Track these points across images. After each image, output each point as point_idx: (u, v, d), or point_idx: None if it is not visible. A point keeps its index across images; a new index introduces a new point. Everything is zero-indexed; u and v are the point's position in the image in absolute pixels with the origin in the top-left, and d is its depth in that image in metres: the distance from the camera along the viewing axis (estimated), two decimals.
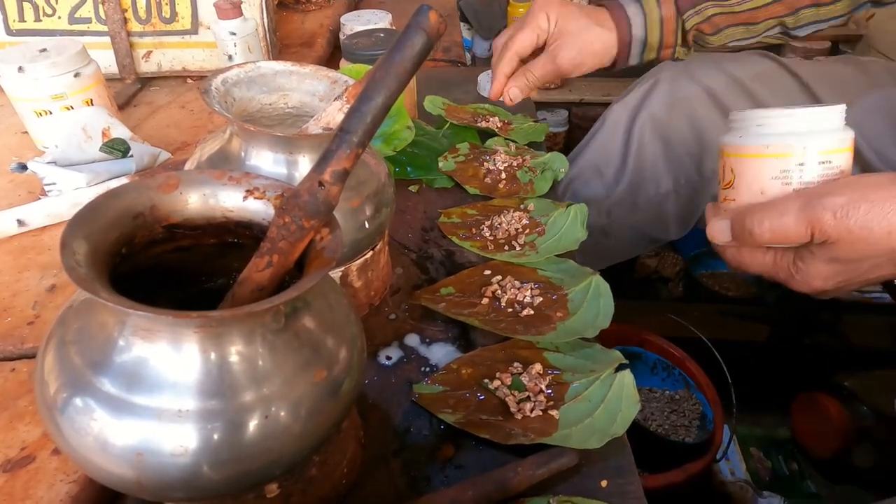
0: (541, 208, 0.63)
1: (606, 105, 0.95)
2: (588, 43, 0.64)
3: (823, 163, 0.41)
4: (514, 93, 0.67)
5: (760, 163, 0.42)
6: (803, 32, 0.67)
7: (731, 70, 0.81)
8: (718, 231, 0.45)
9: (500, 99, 0.68)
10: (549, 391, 0.44)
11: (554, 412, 0.43)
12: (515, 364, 0.47)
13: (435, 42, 0.28)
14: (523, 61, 0.67)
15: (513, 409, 0.43)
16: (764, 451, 1.07)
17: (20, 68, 0.64)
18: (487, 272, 0.56)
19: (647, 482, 0.82)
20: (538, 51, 0.66)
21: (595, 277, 0.53)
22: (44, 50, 0.67)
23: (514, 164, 0.70)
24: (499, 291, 0.53)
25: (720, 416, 0.90)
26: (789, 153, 0.41)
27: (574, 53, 0.63)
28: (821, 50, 1.56)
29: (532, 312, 0.51)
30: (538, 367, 0.46)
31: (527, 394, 0.44)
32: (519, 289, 0.53)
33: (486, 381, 0.45)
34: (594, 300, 0.52)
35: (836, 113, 0.41)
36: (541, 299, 0.52)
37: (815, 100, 0.77)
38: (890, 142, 0.71)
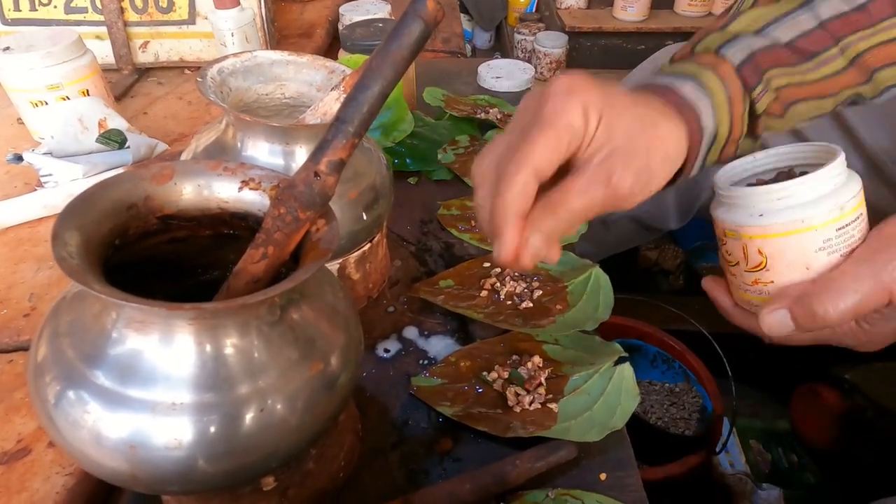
0: None
1: None
2: (657, 149, 0.37)
3: (858, 217, 0.37)
4: (537, 243, 0.34)
5: (800, 239, 0.37)
6: (883, 99, 0.48)
7: None
8: (778, 323, 0.37)
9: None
10: (548, 384, 0.44)
11: (553, 405, 0.42)
12: (514, 357, 0.46)
13: (432, 30, 0.27)
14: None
15: (511, 402, 0.42)
16: (763, 444, 1.07)
17: (6, 48, 0.63)
18: (486, 264, 0.55)
19: (647, 475, 0.82)
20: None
21: (595, 270, 0.53)
22: (50, 35, 0.66)
23: None
24: (497, 284, 0.53)
25: (720, 408, 0.90)
26: (829, 220, 0.36)
27: (639, 169, 0.35)
28: None
29: (531, 305, 0.51)
30: (537, 359, 0.46)
31: (526, 386, 0.44)
32: (518, 281, 0.53)
33: (484, 373, 0.45)
34: (594, 292, 0.51)
35: (842, 157, 0.37)
36: (540, 292, 0.52)
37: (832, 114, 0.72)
38: None
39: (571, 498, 0.37)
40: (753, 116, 0.43)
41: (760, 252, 0.38)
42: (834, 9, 0.43)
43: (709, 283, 0.43)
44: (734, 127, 0.42)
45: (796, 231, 0.37)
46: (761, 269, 0.38)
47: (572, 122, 0.34)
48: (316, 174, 0.28)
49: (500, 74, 0.89)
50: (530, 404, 0.42)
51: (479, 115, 0.77)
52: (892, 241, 0.35)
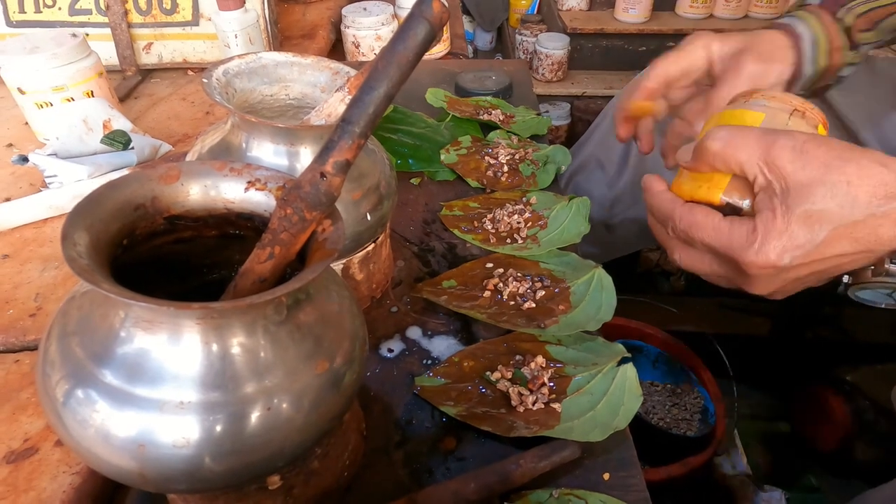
0: (543, 201, 0.63)
1: (609, 98, 0.95)
2: (768, 50, 0.56)
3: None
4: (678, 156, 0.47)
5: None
6: None
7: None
8: (683, 151, 0.43)
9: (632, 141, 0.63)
10: (552, 384, 0.44)
11: (556, 405, 0.43)
12: (517, 357, 0.47)
13: (438, 31, 0.27)
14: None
15: (514, 402, 0.43)
16: (765, 445, 1.07)
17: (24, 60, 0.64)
18: (489, 265, 0.55)
19: (649, 475, 0.83)
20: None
21: (597, 270, 0.53)
22: (55, 37, 0.66)
23: (517, 157, 0.70)
24: (500, 284, 0.53)
25: (721, 409, 0.90)
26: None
27: (759, 60, 0.55)
28: None
29: (534, 305, 0.51)
30: (540, 359, 0.46)
31: (529, 386, 0.44)
32: (521, 282, 0.53)
33: (487, 373, 0.45)
34: (596, 293, 0.52)
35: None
36: (543, 292, 0.52)
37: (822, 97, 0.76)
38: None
39: (575, 498, 0.38)
40: (848, 31, 0.57)
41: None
42: None
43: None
44: (832, 38, 0.57)
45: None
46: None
47: (695, 55, 0.56)
48: (322, 175, 0.28)
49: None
50: (533, 404, 0.42)
51: (481, 117, 0.77)
52: (801, 132, 0.39)
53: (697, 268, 0.44)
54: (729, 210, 0.41)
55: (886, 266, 0.40)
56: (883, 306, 0.44)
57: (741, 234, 0.39)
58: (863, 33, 0.58)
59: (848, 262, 0.40)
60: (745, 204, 0.40)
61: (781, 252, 0.38)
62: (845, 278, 0.43)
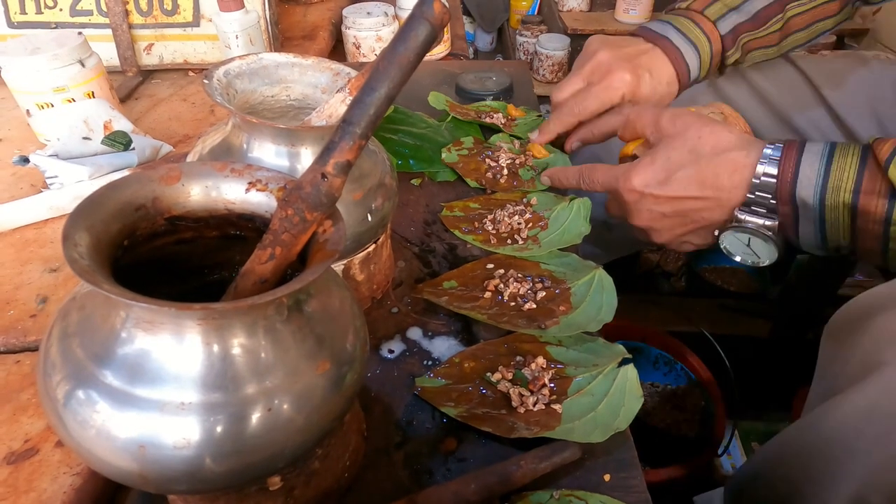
0: (544, 202, 0.63)
1: None
2: (662, 97, 0.69)
3: None
4: (575, 145, 0.69)
5: None
6: (813, 42, 0.73)
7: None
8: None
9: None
10: (552, 385, 0.44)
11: (557, 406, 0.43)
12: (518, 358, 0.47)
13: (439, 32, 0.27)
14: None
15: (515, 403, 0.43)
16: None
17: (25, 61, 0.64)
18: (490, 266, 0.55)
19: (649, 476, 0.82)
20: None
21: (598, 271, 0.53)
22: (56, 37, 0.66)
23: (517, 161, 0.70)
24: (501, 285, 0.53)
25: (722, 410, 0.90)
26: None
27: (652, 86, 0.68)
28: (825, 44, 1.55)
29: (535, 306, 0.51)
30: (541, 360, 0.46)
31: (529, 387, 0.44)
32: (521, 282, 0.53)
33: (488, 374, 0.45)
34: (597, 294, 0.52)
35: None
36: (543, 293, 0.52)
37: (815, 91, 0.77)
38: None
39: (576, 499, 0.38)
40: (723, 64, 0.70)
41: None
42: None
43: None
44: (711, 70, 0.70)
45: None
46: None
47: (612, 98, 0.65)
48: (323, 175, 0.28)
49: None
50: (534, 405, 0.42)
51: (483, 119, 0.77)
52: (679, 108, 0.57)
53: (610, 207, 0.60)
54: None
55: (735, 213, 0.52)
56: (738, 259, 0.54)
57: (621, 169, 0.55)
58: (737, 63, 0.71)
59: (701, 206, 0.53)
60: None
61: (643, 180, 0.53)
62: (716, 232, 0.55)
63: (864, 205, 0.46)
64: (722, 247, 0.55)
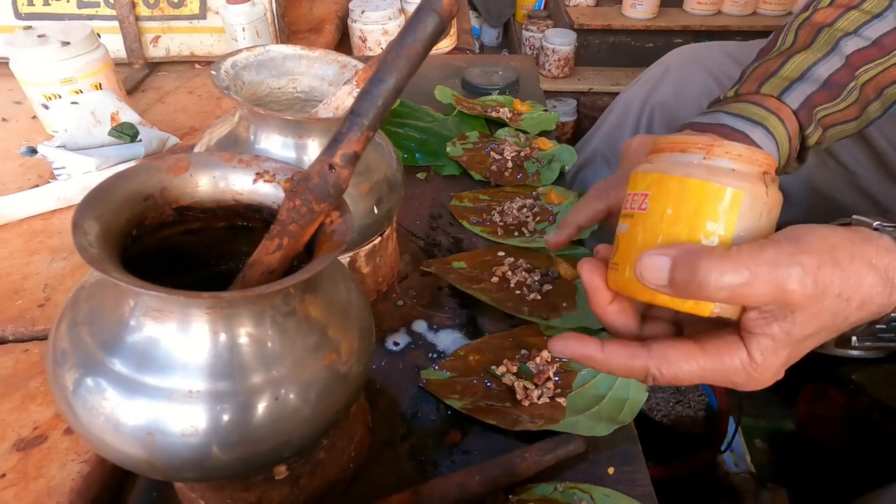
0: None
1: (615, 95, 0.95)
2: None
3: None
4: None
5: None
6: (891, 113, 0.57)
7: (740, 58, 0.80)
8: (653, 267, 0.32)
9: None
10: (557, 378, 0.44)
11: (561, 399, 0.43)
12: (523, 351, 0.47)
13: (447, 24, 0.27)
14: None
15: (520, 396, 0.43)
16: (769, 444, 1.06)
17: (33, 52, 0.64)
18: (501, 253, 0.56)
19: (652, 472, 0.82)
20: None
21: None
22: (63, 29, 0.67)
23: (522, 154, 0.70)
24: (509, 272, 0.53)
25: (725, 407, 0.90)
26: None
27: None
28: None
29: (539, 298, 0.51)
30: (546, 354, 0.46)
31: (534, 380, 0.44)
32: (530, 273, 0.53)
33: (493, 367, 0.45)
34: None
35: None
36: (550, 287, 0.52)
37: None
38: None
39: (580, 491, 0.38)
40: (804, 147, 0.53)
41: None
42: (855, 45, 0.53)
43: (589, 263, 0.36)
44: (790, 158, 0.52)
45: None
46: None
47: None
48: (331, 167, 0.28)
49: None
50: (539, 398, 0.43)
51: (489, 114, 0.77)
52: (801, 243, 0.32)
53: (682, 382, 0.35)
54: (716, 321, 0.33)
55: (853, 343, 0.43)
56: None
57: (735, 366, 0.33)
58: (818, 145, 0.54)
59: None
60: (735, 315, 0.33)
61: (777, 373, 0.34)
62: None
63: None
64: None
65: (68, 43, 0.65)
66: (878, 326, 0.40)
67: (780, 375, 0.34)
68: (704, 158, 0.31)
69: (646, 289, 0.32)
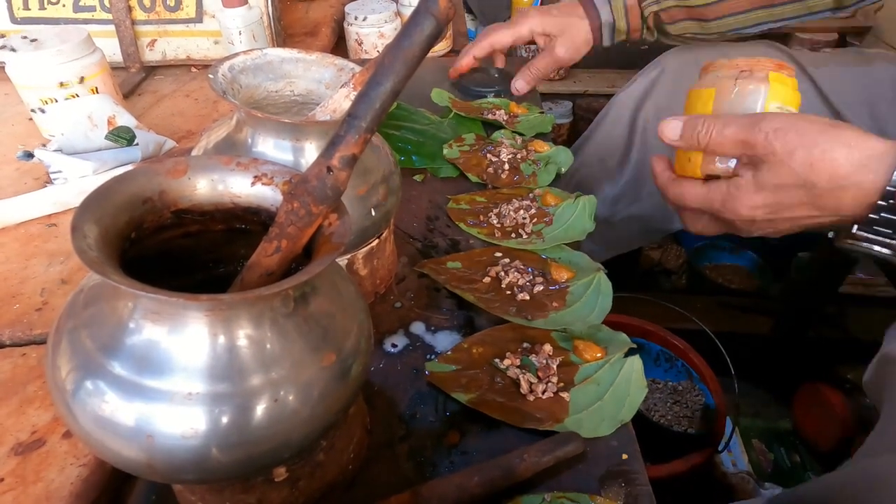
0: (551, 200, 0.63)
1: (610, 97, 0.95)
2: (574, 36, 0.78)
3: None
4: (520, 84, 0.81)
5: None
6: (756, 31, 0.74)
7: (735, 58, 0.80)
8: (670, 128, 0.50)
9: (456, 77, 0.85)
10: (559, 372, 0.45)
11: (564, 394, 0.43)
12: (525, 344, 0.47)
13: (444, 27, 0.28)
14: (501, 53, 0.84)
15: (524, 391, 0.43)
16: (766, 443, 1.07)
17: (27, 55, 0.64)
18: (498, 254, 0.56)
19: (650, 472, 0.83)
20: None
21: (599, 274, 0.53)
22: (59, 33, 0.67)
23: (518, 156, 0.70)
24: (502, 273, 0.53)
25: (723, 407, 0.90)
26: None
27: (567, 47, 0.78)
28: (828, 42, 1.55)
29: (528, 298, 0.51)
30: (548, 347, 0.46)
31: (539, 374, 0.44)
32: (522, 273, 0.53)
33: (496, 360, 0.46)
34: (593, 295, 0.52)
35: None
36: (541, 287, 0.52)
37: (818, 91, 0.77)
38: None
39: (568, 501, 0.38)
40: (644, 19, 0.75)
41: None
42: None
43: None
44: (632, 22, 0.76)
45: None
46: None
47: (521, 33, 0.79)
48: (329, 169, 0.28)
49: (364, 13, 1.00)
50: (543, 393, 0.43)
51: (486, 116, 0.78)
52: (781, 116, 0.46)
53: (697, 227, 0.53)
54: (709, 178, 0.50)
55: (854, 231, 0.46)
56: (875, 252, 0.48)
57: (717, 195, 0.48)
58: (667, 26, 0.75)
59: (817, 220, 0.47)
60: (722, 169, 0.48)
61: (751, 209, 0.47)
62: (830, 234, 0.50)
63: None
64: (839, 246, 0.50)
65: (64, 47, 0.65)
66: (871, 216, 0.44)
67: (757, 214, 0.47)
68: (704, 76, 0.53)
69: (686, 166, 0.50)
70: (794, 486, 0.64)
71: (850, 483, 0.49)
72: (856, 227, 0.46)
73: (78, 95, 0.68)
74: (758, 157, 0.45)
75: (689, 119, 0.48)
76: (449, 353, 0.47)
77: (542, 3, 1.95)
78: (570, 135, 1.73)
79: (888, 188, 0.42)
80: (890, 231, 0.45)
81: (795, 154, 0.43)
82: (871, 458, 0.48)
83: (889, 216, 0.44)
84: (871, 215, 0.44)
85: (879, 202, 0.43)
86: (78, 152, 0.64)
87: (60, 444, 0.38)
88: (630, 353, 0.45)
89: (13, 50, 0.65)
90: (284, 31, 0.97)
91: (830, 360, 1.15)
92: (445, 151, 0.70)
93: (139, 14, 0.87)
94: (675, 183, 0.52)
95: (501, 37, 0.79)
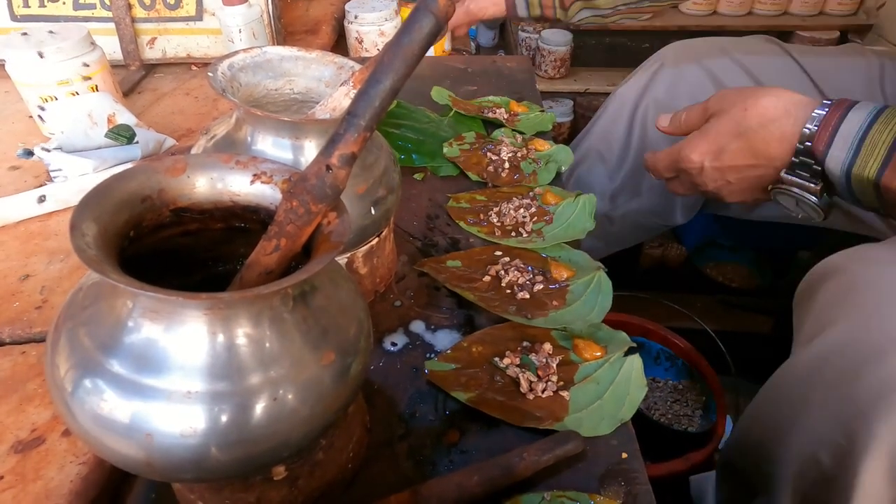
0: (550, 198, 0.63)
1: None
2: None
3: None
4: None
5: None
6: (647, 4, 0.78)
7: (734, 54, 0.80)
8: (662, 118, 0.64)
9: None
10: (559, 371, 0.45)
11: (564, 393, 0.43)
12: (525, 343, 0.47)
13: (444, 24, 0.28)
14: None
15: (524, 390, 0.43)
16: None
17: (39, 53, 0.64)
18: (498, 253, 0.56)
19: (650, 471, 0.82)
20: None
21: (599, 273, 0.53)
22: (52, 32, 0.67)
23: (519, 154, 0.70)
24: (502, 272, 0.53)
25: (723, 406, 0.90)
26: None
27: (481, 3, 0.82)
28: (829, 39, 1.54)
29: (528, 297, 0.51)
30: (548, 346, 0.46)
31: (538, 373, 0.44)
32: (522, 272, 0.53)
33: (496, 359, 0.46)
34: (593, 294, 0.52)
35: None
36: (541, 286, 0.52)
37: (815, 87, 0.77)
38: None
39: (568, 500, 0.38)
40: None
41: None
42: None
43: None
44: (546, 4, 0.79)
45: None
46: None
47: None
48: (328, 167, 0.28)
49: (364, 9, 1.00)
50: (543, 392, 0.43)
51: (486, 115, 0.77)
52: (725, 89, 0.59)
53: (677, 189, 0.64)
54: None
55: (781, 175, 0.53)
56: (798, 217, 0.56)
57: (675, 151, 0.60)
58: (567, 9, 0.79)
59: (759, 172, 0.55)
60: None
61: (699, 152, 0.57)
62: (769, 187, 0.57)
63: (886, 183, 0.46)
64: (776, 201, 0.57)
65: (64, 45, 0.65)
66: (793, 160, 0.51)
67: (705, 161, 0.57)
68: None
69: None
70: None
71: (764, 400, 0.56)
72: (784, 171, 0.53)
73: (78, 93, 0.68)
74: (707, 112, 0.58)
75: (676, 112, 0.62)
76: (448, 351, 0.47)
77: None
78: (570, 133, 1.73)
79: (804, 129, 0.49)
80: (807, 174, 0.51)
81: (735, 105, 0.54)
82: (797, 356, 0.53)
83: (805, 159, 0.50)
84: (793, 158, 0.51)
85: (797, 145, 0.50)
86: (78, 150, 0.64)
87: (60, 442, 0.38)
88: (630, 351, 0.45)
89: (13, 48, 0.65)
90: (284, 29, 0.96)
91: None
92: (445, 150, 0.70)
93: (139, 12, 0.87)
94: (651, 155, 0.63)
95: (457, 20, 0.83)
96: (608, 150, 0.89)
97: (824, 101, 0.50)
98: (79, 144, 0.65)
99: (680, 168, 0.60)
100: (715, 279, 1.30)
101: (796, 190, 0.53)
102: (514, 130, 0.75)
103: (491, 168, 0.68)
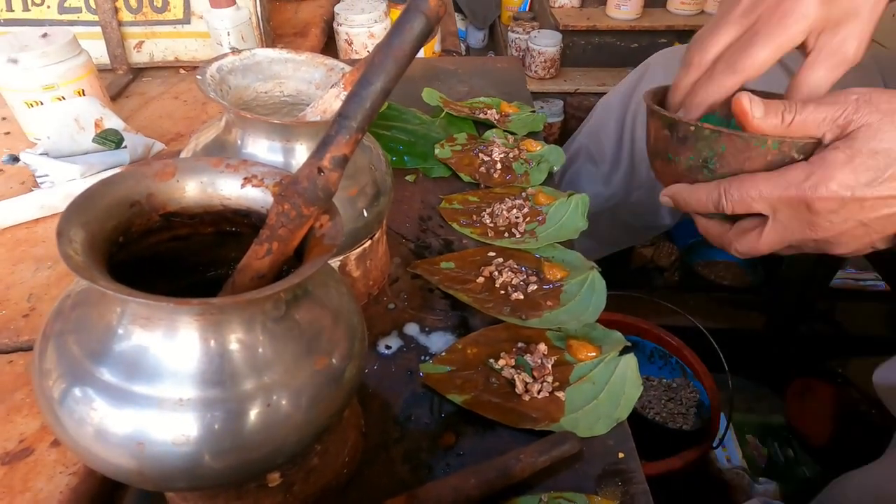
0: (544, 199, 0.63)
1: (601, 95, 0.95)
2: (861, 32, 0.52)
3: None
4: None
5: None
6: None
7: None
8: (755, 104, 0.39)
9: None
10: (554, 371, 0.45)
11: (560, 394, 0.43)
12: (520, 344, 0.47)
13: (435, 25, 0.27)
14: None
15: (519, 390, 0.43)
16: (760, 438, 1.07)
17: (13, 59, 0.63)
18: (491, 254, 0.56)
19: (645, 469, 0.83)
20: None
21: (593, 273, 0.53)
22: (45, 35, 0.66)
23: (510, 155, 0.70)
24: (496, 273, 0.53)
25: (717, 403, 0.90)
26: None
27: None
28: None
29: (522, 297, 0.51)
30: (543, 347, 0.46)
31: (534, 374, 0.44)
32: (516, 273, 0.53)
33: (491, 360, 0.45)
34: (587, 294, 0.52)
35: None
36: (535, 287, 0.52)
37: (788, 74, 0.77)
38: None
39: (565, 501, 0.38)
40: None
41: None
42: None
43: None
44: None
45: None
46: None
47: (793, 35, 0.42)
48: (319, 170, 0.28)
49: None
50: (538, 393, 0.43)
51: (477, 115, 0.77)
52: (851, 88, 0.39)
53: (768, 241, 0.42)
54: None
55: None
56: None
57: (797, 173, 0.39)
58: None
59: None
60: (795, 154, 0.40)
61: (845, 181, 0.38)
62: None
63: None
64: None
65: (49, 49, 0.64)
66: None
67: (848, 193, 0.38)
68: None
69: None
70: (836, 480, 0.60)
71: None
72: None
73: (64, 98, 0.67)
74: (846, 124, 0.38)
75: (772, 102, 0.40)
76: (443, 354, 0.47)
77: (530, 7, 1.95)
78: (561, 133, 1.74)
79: None
80: None
81: (888, 112, 0.37)
82: None
83: None
84: None
85: None
86: (65, 156, 0.64)
87: (49, 453, 0.37)
88: (624, 351, 0.45)
89: None
90: (273, 32, 0.96)
91: (822, 354, 1.16)
92: (437, 151, 0.70)
93: (126, 15, 0.86)
94: (730, 180, 0.41)
95: (755, 54, 0.44)
96: (599, 153, 0.90)
97: None
98: (66, 149, 0.64)
99: (798, 203, 0.39)
100: (707, 277, 1.31)
101: None
102: (505, 131, 0.75)
103: (483, 169, 0.68)
